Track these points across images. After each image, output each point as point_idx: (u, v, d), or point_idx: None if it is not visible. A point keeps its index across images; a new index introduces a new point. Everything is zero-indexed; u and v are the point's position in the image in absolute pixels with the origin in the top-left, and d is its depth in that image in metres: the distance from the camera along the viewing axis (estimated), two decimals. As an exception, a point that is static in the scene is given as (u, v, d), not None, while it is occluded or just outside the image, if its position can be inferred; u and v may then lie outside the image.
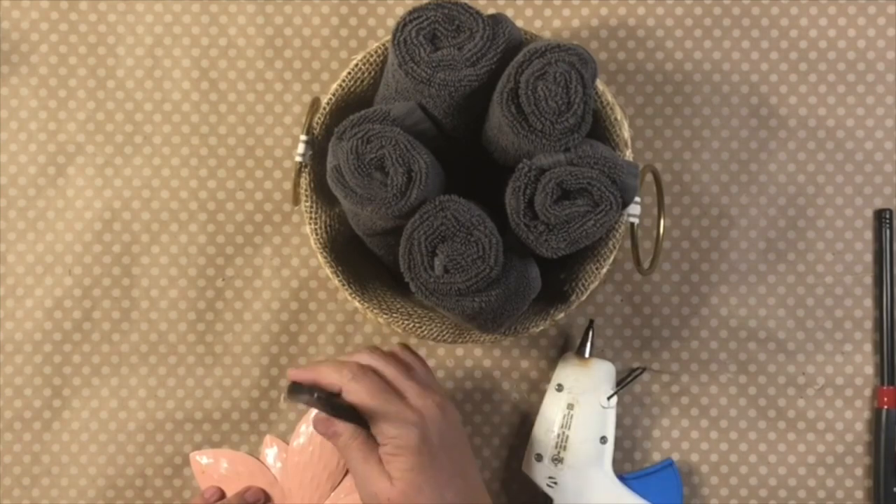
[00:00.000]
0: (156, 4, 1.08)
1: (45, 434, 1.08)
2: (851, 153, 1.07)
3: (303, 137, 0.94)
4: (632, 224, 0.93)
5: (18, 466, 1.08)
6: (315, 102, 0.95)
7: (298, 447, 1.06)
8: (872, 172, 1.07)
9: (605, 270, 0.93)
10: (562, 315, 0.94)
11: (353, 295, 0.95)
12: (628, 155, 0.94)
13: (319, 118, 0.95)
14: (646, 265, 1.02)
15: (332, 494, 1.06)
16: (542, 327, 0.94)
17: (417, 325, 0.95)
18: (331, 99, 0.95)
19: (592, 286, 0.93)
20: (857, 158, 1.07)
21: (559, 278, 0.96)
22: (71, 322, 1.08)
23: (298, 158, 0.94)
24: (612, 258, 0.93)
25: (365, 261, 0.99)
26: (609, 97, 0.94)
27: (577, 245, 0.84)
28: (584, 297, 0.94)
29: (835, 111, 1.07)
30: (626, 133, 0.94)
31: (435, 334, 0.95)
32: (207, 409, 1.08)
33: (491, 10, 1.06)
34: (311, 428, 1.05)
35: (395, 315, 0.95)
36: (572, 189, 0.83)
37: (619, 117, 0.94)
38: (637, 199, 0.91)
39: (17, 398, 1.08)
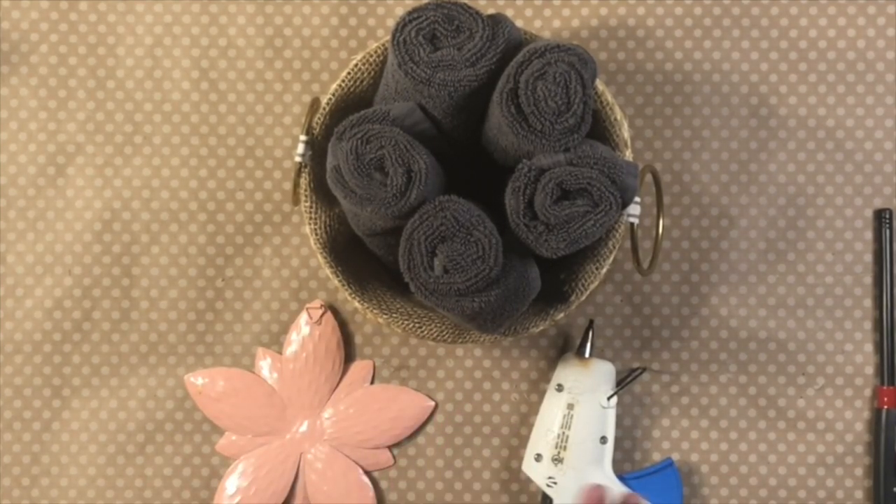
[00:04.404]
0: (155, 5, 1.08)
1: (44, 434, 1.08)
2: (851, 153, 1.07)
3: (302, 138, 0.94)
4: (631, 224, 0.93)
5: (18, 467, 1.08)
6: (315, 103, 0.95)
7: (292, 355, 1.07)
8: (872, 172, 1.07)
9: (604, 270, 0.93)
10: (562, 315, 0.94)
11: (353, 295, 0.95)
12: (628, 155, 0.94)
13: (319, 118, 0.95)
14: (645, 265, 1.02)
15: (332, 396, 1.07)
16: (541, 327, 0.94)
17: (417, 325, 0.95)
18: (330, 99, 0.95)
19: (592, 286, 0.93)
20: (857, 158, 1.07)
21: (559, 278, 0.96)
22: (71, 322, 1.08)
23: (298, 159, 0.94)
24: (611, 258, 0.93)
25: (365, 261, 0.99)
26: (609, 97, 0.94)
27: (576, 245, 0.84)
28: (583, 298, 0.94)
29: (834, 111, 1.07)
30: (626, 133, 0.94)
31: (435, 334, 0.95)
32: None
33: (491, 10, 1.06)
34: (301, 335, 1.07)
35: (394, 315, 0.96)
36: (572, 189, 0.83)
37: (618, 117, 0.94)
38: (637, 199, 0.91)
39: (16, 398, 1.08)
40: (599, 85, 0.93)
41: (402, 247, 0.84)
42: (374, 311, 0.95)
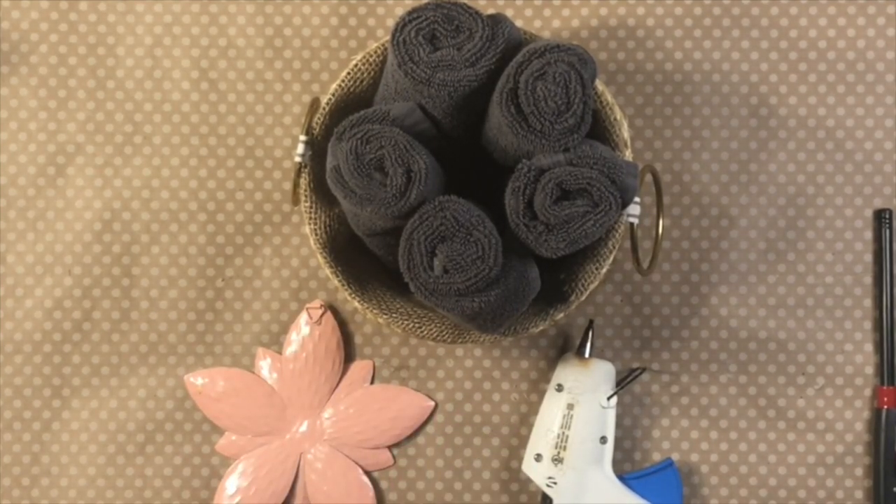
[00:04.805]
0: (155, 5, 1.08)
1: (44, 434, 1.08)
2: (851, 153, 1.07)
3: (302, 138, 0.94)
4: (631, 224, 0.93)
5: (18, 467, 1.08)
6: (314, 103, 0.95)
7: (292, 355, 1.07)
8: (872, 172, 1.07)
9: (604, 270, 0.93)
10: (561, 315, 0.94)
11: (353, 295, 0.95)
12: (628, 155, 0.94)
13: (319, 118, 0.95)
14: (645, 265, 1.02)
15: (332, 396, 1.07)
16: (541, 327, 0.94)
17: (417, 325, 0.95)
18: (330, 99, 0.95)
19: (592, 286, 0.93)
20: (857, 158, 1.07)
21: (559, 278, 0.96)
22: (70, 322, 1.08)
23: (298, 159, 0.94)
24: (611, 258, 0.93)
25: (365, 261, 0.99)
26: (608, 97, 0.94)
27: (576, 245, 0.84)
28: (583, 298, 0.94)
29: (834, 111, 1.07)
30: (626, 133, 0.94)
31: (434, 334, 0.95)
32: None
33: (490, 11, 1.06)
34: (301, 335, 1.07)
35: (394, 315, 0.96)
36: (572, 189, 0.83)
37: (618, 117, 0.94)
38: (637, 199, 0.91)
39: (16, 398, 1.08)
40: (599, 85, 0.93)
41: (402, 247, 0.84)
42: (374, 311, 0.95)
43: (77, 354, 1.08)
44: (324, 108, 0.95)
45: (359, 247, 0.97)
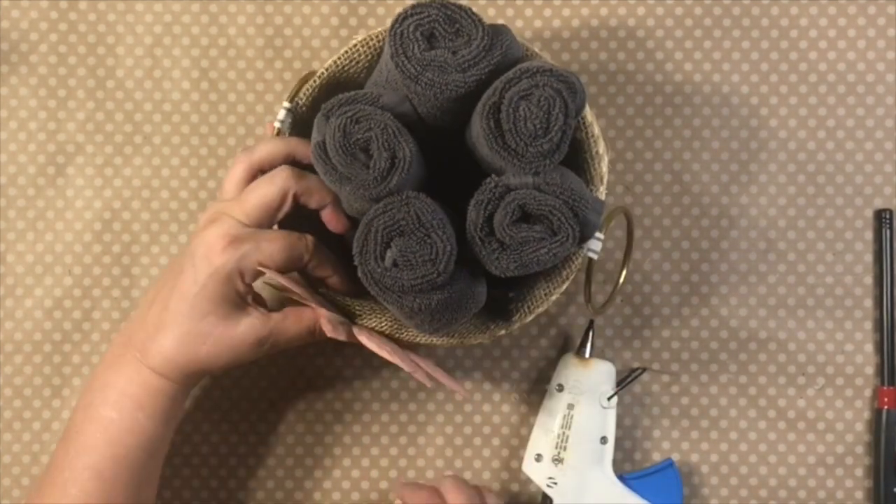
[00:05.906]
0: (155, 4, 1.09)
1: (44, 434, 1.09)
2: (851, 153, 1.07)
3: (285, 104, 0.95)
4: (590, 259, 0.92)
5: (18, 467, 1.09)
6: (309, 74, 0.96)
7: None
8: (872, 172, 1.07)
9: (553, 298, 0.93)
10: (502, 332, 0.95)
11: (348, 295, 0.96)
12: (602, 191, 0.93)
13: (308, 89, 0.96)
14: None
15: None
16: (480, 341, 0.95)
17: (397, 326, 0.96)
18: (323, 73, 0.96)
19: (539, 311, 0.94)
20: (858, 158, 1.07)
21: (507, 296, 0.96)
22: (70, 322, 1.09)
23: (277, 125, 0.95)
24: (563, 288, 0.93)
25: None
26: (596, 130, 0.93)
27: (526, 269, 0.84)
28: (528, 320, 0.94)
29: (835, 111, 1.07)
30: (605, 168, 0.93)
31: (415, 335, 0.96)
32: (207, 409, 1.09)
33: (491, 10, 1.06)
34: None
35: (384, 318, 0.96)
36: (533, 213, 0.83)
37: (600, 151, 0.93)
38: (599, 235, 0.91)
39: (16, 398, 1.09)
40: (588, 116, 0.93)
41: (360, 231, 0.84)
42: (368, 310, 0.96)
43: (77, 354, 1.09)
44: (314, 81, 0.96)
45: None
